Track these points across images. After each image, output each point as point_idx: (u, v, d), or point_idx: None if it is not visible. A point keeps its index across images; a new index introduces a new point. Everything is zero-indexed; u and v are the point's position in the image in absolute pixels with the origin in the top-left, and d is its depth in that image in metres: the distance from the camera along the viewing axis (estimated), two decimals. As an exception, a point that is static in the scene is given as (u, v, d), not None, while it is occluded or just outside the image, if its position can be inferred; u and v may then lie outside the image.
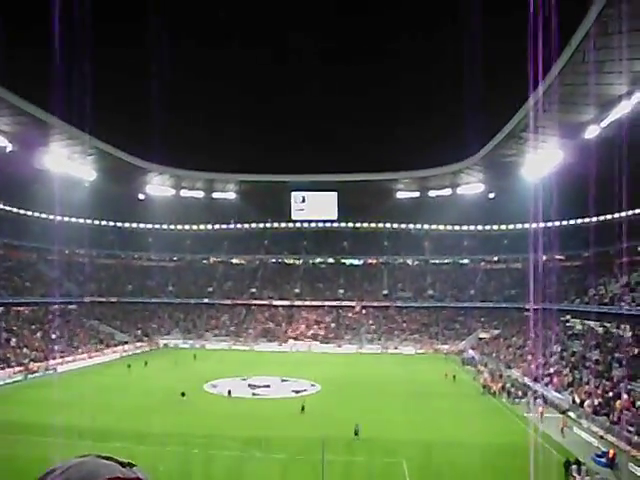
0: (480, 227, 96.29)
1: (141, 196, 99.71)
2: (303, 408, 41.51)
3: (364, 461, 29.53)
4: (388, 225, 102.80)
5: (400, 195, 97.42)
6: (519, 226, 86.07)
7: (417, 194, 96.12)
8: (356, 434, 34.02)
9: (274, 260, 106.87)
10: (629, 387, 39.62)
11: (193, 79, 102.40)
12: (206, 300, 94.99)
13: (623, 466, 29.31)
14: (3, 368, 53.89)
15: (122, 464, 1.27)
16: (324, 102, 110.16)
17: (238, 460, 29.66)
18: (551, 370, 51.97)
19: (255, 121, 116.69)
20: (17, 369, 54.62)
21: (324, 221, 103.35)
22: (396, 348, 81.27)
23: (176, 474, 25.30)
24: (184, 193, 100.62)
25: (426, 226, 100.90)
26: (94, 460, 1.25)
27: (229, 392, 47.94)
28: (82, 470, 1.21)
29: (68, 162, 75.63)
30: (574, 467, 28.74)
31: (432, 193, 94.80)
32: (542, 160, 63.48)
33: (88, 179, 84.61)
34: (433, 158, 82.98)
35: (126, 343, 77.44)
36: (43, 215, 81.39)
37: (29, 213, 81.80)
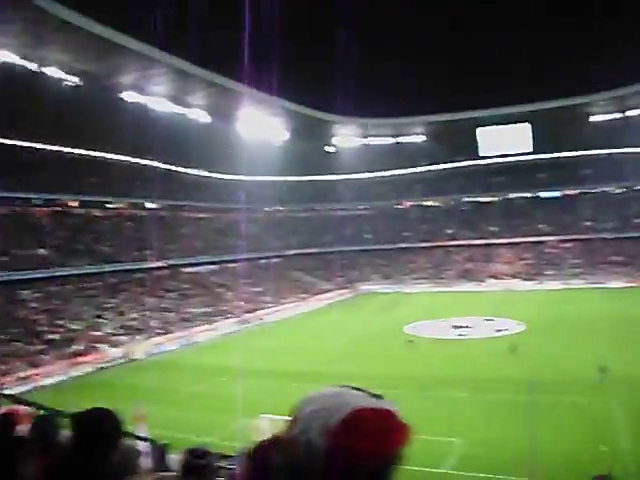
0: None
1: (331, 148, 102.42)
2: (514, 348, 39.74)
3: (574, 402, 28.70)
4: (586, 152, 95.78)
5: (596, 118, 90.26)
6: None
7: (616, 115, 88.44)
8: (602, 372, 31.55)
9: (468, 199, 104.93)
10: None
11: (370, 26, 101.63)
12: (403, 245, 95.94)
13: None
14: (222, 319, 59.06)
15: (372, 395, 1.34)
16: (506, 29, 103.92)
17: (443, 401, 30.26)
18: None
19: (436, 59, 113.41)
20: (234, 320, 59.46)
21: (516, 155, 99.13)
22: (603, 282, 76.40)
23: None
24: (371, 141, 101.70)
25: (628, 150, 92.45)
26: (346, 390, 1.34)
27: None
28: (335, 399, 1.29)
29: (260, 125, 79.73)
30: None
31: (633, 112, 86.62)
32: None
33: (280, 139, 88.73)
34: (631, 73, 75.37)
35: (329, 291, 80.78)
36: (242, 177, 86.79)
37: (230, 177, 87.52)
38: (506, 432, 24.54)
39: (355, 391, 1.33)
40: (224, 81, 64.97)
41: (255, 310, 63.36)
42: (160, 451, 11.28)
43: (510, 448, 22.40)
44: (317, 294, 78.02)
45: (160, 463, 9.76)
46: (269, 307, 66.40)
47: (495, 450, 23.25)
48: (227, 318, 59.67)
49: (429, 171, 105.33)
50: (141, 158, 73.20)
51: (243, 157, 76.87)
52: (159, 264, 64.78)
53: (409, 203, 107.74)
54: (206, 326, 55.90)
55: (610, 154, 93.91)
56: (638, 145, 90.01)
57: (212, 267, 74.73)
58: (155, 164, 72.72)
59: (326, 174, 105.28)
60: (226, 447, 17.24)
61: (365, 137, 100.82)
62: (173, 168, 78.74)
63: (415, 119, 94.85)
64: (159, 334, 50.96)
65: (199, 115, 72.48)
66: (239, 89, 65.66)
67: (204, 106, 71.38)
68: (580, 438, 24.14)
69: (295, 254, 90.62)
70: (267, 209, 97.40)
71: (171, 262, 67.02)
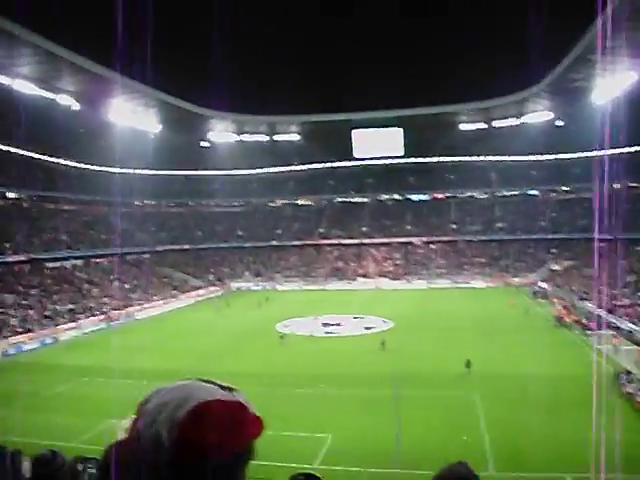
0: (549, 156, 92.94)
1: (205, 143, 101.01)
2: (383, 344, 41.84)
3: (439, 395, 30.13)
4: (454, 158, 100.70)
5: (465, 127, 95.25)
6: (590, 154, 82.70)
7: (482, 125, 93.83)
8: (468, 366, 34.24)
9: (340, 199, 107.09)
10: None
11: (249, 21, 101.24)
12: (275, 242, 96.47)
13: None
14: (88, 317, 56.56)
15: (222, 387, 1.32)
16: (382, 35, 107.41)
17: (312, 398, 30.76)
18: (626, 301, 50.83)
19: (314, 60, 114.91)
20: (100, 317, 57.23)
21: (388, 157, 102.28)
22: (466, 282, 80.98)
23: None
24: (247, 138, 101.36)
25: (493, 158, 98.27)
26: (195, 383, 1.32)
27: (311, 336, 48.43)
28: (182, 392, 1.26)
29: (133, 116, 77.23)
30: (623, 376, 30.60)
31: (498, 123, 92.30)
32: (614, 83, 60.50)
33: (153, 131, 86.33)
34: (498, 87, 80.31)
35: (200, 288, 79.74)
36: (112, 169, 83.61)
37: (99, 168, 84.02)
38: (376, 426, 25.31)
39: (206, 384, 1.32)
40: (96, 67, 62.07)
41: (124, 307, 61.24)
42: (11, 460, 10.64)
43: (379, 441, 23.22)
44: (188, 291, 76.74)
45: (11, 474, 9.19)
46: (138, 304, 64.48)
47: (365, 444, 23.98)
48: (94, 315, 57.25)
49: (303, 170, 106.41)
50: (2, 144, 68.53)
51: (114, 148, 73.99)
52: (19, 258, 61.20)
53: (282, 201, 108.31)
54: (71, 324, 53.29)
55: (476, 161, 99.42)
56: (502, 154, 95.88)
57: (78, 262, 71.40)
58: (18, 151, 68.35)
59: (200, 169, 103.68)
60: (90, 450, 16.56)
61: (240, 134, 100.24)
62: (38, 156, 74.33)
63: (291, 118, 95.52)
64: (18, 332, 48.00)
65: (68, 101, 68.86)
66: (112, 77, 63.00)
67: (74, 92, 67.88)
68: (445, 430, 25.49)
69: (166, 250, 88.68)
70: (138, 203, 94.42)
71: (33, 256, 63.33)
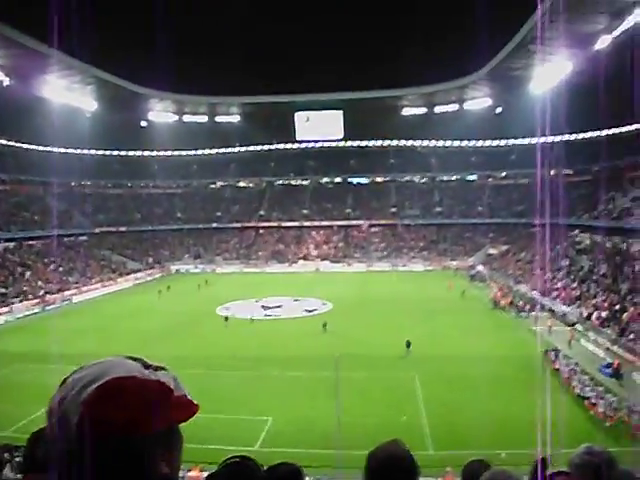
0: (487, 142, 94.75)
1: (144, 123, 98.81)
2: (325, 325, 42.42)
3: (379, 376, 30.62)
4: (394, 143, 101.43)
5: (406, 112, 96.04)
6: (527, 141, 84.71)
7: (423, 110, 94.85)
8: (408, 347, 35.07)
9: (281, 182, 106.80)
10: (635, 300, 40.00)
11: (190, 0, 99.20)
12: (215, 225, 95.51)
13: (627, 376, 30.11)
14: (21, 301, 54.75)
15: (147, 366, 1.26)
16: (325, 18, 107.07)
17: (253, 380, 30.76)
18: (559, 284, 52.51)
19: (256, 41, 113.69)
20: (34, 301, 55.52)
21: (330, 140, 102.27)
22: (405, 265, 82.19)
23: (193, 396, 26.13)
24: (187, 118, 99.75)
25: (433, 143, 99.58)
26: (118, 359, 1.26)
27: (251, 319, 48.09)
28: (99, 368, 1.21)
29: (68, 93, 74.79)
30: (552, 353, 32.29)
31: (438, 109, 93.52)
32: (550, 72, 62.04)
33: (89, 109, 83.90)
34: (439, 73, 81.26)
35: (138, 271, 78.38)
36: (47, 148, 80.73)
37: (33, 147, 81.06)
38: (317, 408, 25.63)
39: (130, 361, 1.26)
40: (29, 41, 59.48)
41: (60, 290, 59.53)
42: None
43: (320, 423, 23.50)
44: (126, 274, 75.30)
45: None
46: (75, 287, 62.91)
47: (306, 426, 24.27)
48: (28, 299, 55.48)
49: (243, 152, 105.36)
50: None
51: (48, 125, 71.48)
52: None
53: (222, 183, 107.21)
54: (3, 308, 51.44)
55: (416, 146, 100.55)
56: (442, 139, 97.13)
57: (10, 244, 68.84)
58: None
59: (139, 149, 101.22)
60: (22, 439, 16.06)
61: (181, 114, 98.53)
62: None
63: (232, 99, 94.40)
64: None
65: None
66: (46, 51, 60.54)
67: (5, 67, 65.02)
68: (385, 410, 25.96)
69: (104, 232, 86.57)
70: (74, 183, 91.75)
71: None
